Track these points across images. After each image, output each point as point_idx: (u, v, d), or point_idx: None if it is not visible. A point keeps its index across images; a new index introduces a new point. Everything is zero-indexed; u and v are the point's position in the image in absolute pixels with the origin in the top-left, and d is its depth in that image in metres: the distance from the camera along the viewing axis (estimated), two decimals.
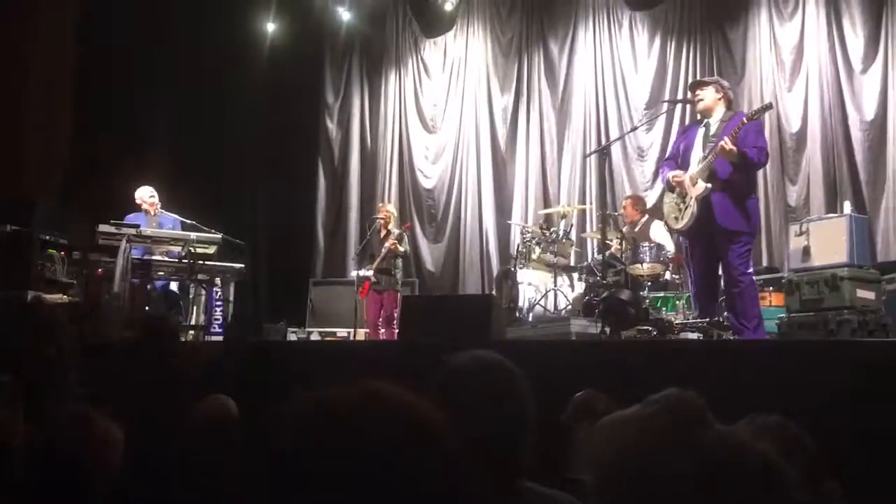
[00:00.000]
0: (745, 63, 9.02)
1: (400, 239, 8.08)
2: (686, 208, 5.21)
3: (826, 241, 6.37)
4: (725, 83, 5.53)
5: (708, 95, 5.31)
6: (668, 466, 0.84)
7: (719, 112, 5.29)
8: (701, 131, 5.34)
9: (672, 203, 5.36)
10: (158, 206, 7.34)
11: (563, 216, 7.61)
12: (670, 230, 6.24)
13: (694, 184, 5.15)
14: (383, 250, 8.05)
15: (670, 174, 5.32)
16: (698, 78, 9.01)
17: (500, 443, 1.67)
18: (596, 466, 0.93)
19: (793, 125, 8.61)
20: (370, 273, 8.07)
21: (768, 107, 5.46)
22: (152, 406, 2.17)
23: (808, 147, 8.49)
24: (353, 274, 8.36)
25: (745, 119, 4.99)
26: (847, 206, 7.08)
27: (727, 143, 4.89)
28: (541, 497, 1.72)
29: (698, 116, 5.53)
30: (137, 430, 1.94)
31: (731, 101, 5.49)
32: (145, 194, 7.34)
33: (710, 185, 5.06)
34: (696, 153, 5.26)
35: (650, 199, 8.47)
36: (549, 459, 2.00)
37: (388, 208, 8.59)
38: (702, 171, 5.13)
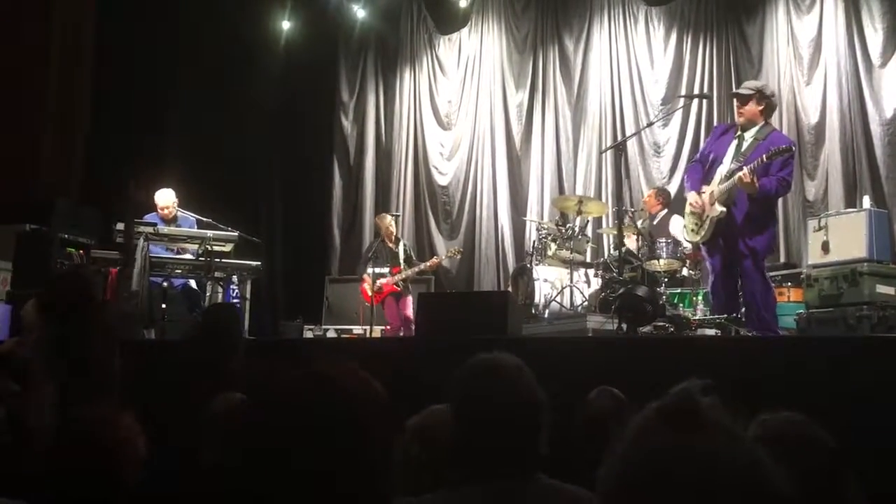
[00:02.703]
0: (762, 57, 8.94)
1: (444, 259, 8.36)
2: (702, 226, 5.21)
3: (845, 236, 6.32)
4: (769, 91, 5.37)
5: (749, 109, 5.18)
6: (653, 473, 0.83)
7: (757, 125, 5.19)
8: (733, 144, 5.24)
9: (692, 215, 5.34)
10: (174, 212, 7.26)
11: (579, 212, 7.58)
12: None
13: (712, 204, 5.11)
14: (422, 265, 8.35)
15: (690, 197, 5.28)
16: (717, 74, 9.07)
17: (515, 438, 1.70)
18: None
19: (811, 119, 8.54)
20: (386, 271, 8.12)
21: (789, 150, 5.07)
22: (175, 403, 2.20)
23: (826, 141, 8.41)
24: (370, 272, 8.32)
25: (764, 157, 4.90)
26: (866, 201, 7.02)
27: (746, 177, 4.84)
28: (559, 493, 1.73)
29: (736, 126, 5.40)
30: (158, 426, 1.96)
31: (774, 109, 5.39)
32: (160, 202, 7.26)
33: (724, 210, 5.05)
34: (723, 167, 5.19)
35: (671, 191, 8.41)
36: (567, 455, 2.00)
37: (388, 219, 8.56)
38: (721, 193, 5.08)
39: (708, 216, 5.13)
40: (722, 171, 5.18)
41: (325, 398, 1.11)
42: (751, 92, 5.28)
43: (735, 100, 5.33)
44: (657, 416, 0.88)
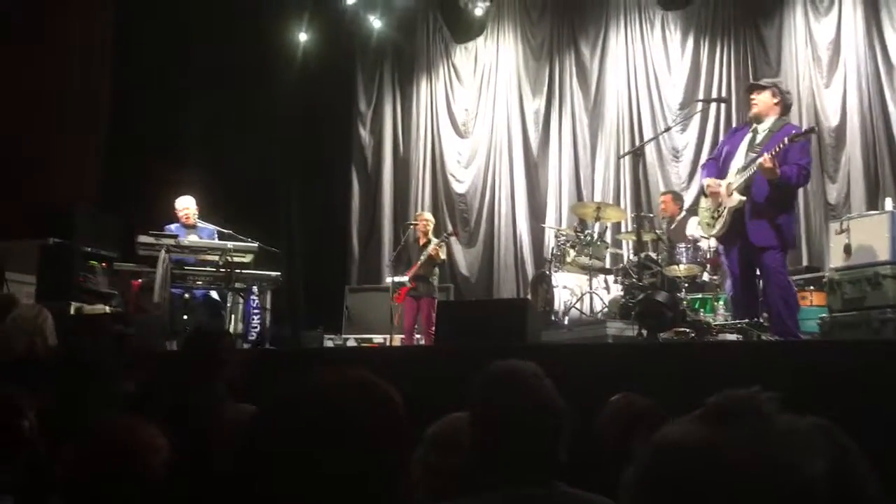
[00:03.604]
0: (780, 60, 8.89)
1: (441, 245, 8.14)
2: (719, 217, 5.15)
3: (867, 239, 6.24)
4: (784, 87, 5.34)
5: (763, 100, 5.14)
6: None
7: (770, 119, 5.14)
8: (747, 137, 5.20)
9: (707, 209, 5.29)
10: (194, 218, 7.34)
11: (598, 218, 7.55)
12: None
13: (729, 194, 5.06)
14: (423, 256, 8.09)
15: (706, 181, 5.25)
16: (734, 77, 9.03)
17: (534, 445, 1.69)
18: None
19: (831, 121, 8.47)
20: (405, 279, 8.11)
21: (811, 130, 5.16)
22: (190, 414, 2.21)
23: (847, 144, 8.35)
24: (389, 280, 8.41)
25: (786, 140, 4.83)
26: (888, 203, 6.93)
27: (767, 161, 4.77)
28: (579, 501, 1.72)
29: (749, 119, 5.39)
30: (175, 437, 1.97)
31: (788, 107, 5.33)
32: (180, 206, 7.37)
33: (744, 198, 4.98)
34: (738, 161, 5.14)
35: (687, 200, 8.38)
36: (587, 463, 1.99)
37: (427, 216, 8.63)
38: (739, 183, 5.04)
39: (725, 207, 5.08)
40: (737, 164, 5.15)
41: (335, 406, 1.11)
42: (768, 84, 5.31)
43: (751, 91, 5.30)
44: (691, 417, 0.87)
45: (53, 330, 3.82)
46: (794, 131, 4.94)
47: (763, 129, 5.15)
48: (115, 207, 8.03)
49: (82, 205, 7.62)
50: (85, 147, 8.64)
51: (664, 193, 8.15)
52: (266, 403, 1.21)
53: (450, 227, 10.07)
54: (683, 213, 7.62)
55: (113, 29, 8.92)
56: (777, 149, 4.83)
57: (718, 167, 5.30)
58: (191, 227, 7.27)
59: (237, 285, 6.87)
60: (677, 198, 7.88)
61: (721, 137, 8.65)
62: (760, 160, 4.81)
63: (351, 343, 8.93)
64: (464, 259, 10.28)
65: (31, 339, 3.64)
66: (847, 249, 6.32)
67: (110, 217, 7.82)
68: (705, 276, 6.96)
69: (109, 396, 2.88)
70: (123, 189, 8.37)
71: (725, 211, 5.08)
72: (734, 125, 8.56)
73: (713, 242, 6.40)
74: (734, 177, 5.10)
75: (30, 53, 8.20)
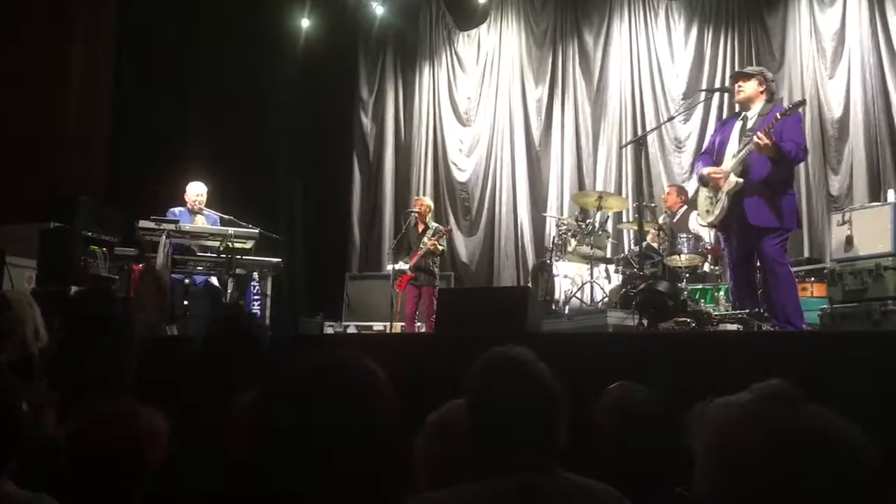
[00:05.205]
0: (784, 50, 8.86)
1: (439, 239, 8.11)
2: (717, 202, 5.14)
3: (869, 231, 6.24)
4: (769, 75, 5.40)
5: (749, 87, 5.20)
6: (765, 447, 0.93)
7: (758, 105, 5.18)
8: (738, 125, 5.24)
9: (704, 197, 5.30)
10: (201, 203, 7.35)
11: (599, 208, 7.54)
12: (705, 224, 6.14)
13: (726, 178, 5.08)
14: (422, 247, 8.07)
15: (705, 170, 5.25)
16: (738, 67, 8.99)
17: (533, 429, 1.70)
18: (703, 447, 1.02)
19: (835, 113, 8.45)
20: (406, 267, 8.10)
21: (802, 103, 5.22)
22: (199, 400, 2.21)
23: (850, 135, 8.32)
24: (390, 267, 8.41)
25: (778, 115, 4.86)
26: (891, 195, 6.93)
27: (762, 139, 4.79)
28: (580, 487, 1.72)
29: (737, 108, 5.44)
30: (183, 423, 1.98)
31: (773, 94, 5.37)
32: (192, 191, 7.38)
33: (741, 180, 4.98)
34: (732, 147, 5.17)
35: (689, 191, 8.37)
36: (587, 449, 2.00)
37: (425, 201, 8.62)
38: (735, 165, 5.04)
39: (723, 191, 5.09)
40: (731, 150, 5.16)
41: (329, 390, 1.12)
42: (754, 72, 5.36)
43: (736, 79, 5.32)
44: (755, 402, 0.98)
45: (41, 320, 3.70)
46: (785, 106, 5.01)
47: (752, 115, 5.19)
48: (121, 197, 8.03)
49: (86, 197, 7.62)
50: (89, 140, 8.61)
51: (670, 186, 8.15)
52: (266, 383, 1.23)
53: (451, 218, 10.09)
54: (685, 207, 7.62)
55: (115, 15, 8.88)
56: (770, 125, 4.84)
57: (713, 160, 5.30)
58: (196, 213, 7.29)
59: (238, 271, 6.86)
60: (681, 191, 7.89)
61: None
62: (755, 139, 4.82)
63: (351, 330, 8.94)
64: (464, 247, 10.28)
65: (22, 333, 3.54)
66: (849, 241, 6.33)
67: (113, 205, 7.81)
68: (706, 267, 6.97)
69: (124, 338, 2.89)
70: (128, 177, 8.36)
71: (723, 195, 5.08)
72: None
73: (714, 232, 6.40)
74: (730, 161, 5.11)
75: (33, 43, 8.17)
